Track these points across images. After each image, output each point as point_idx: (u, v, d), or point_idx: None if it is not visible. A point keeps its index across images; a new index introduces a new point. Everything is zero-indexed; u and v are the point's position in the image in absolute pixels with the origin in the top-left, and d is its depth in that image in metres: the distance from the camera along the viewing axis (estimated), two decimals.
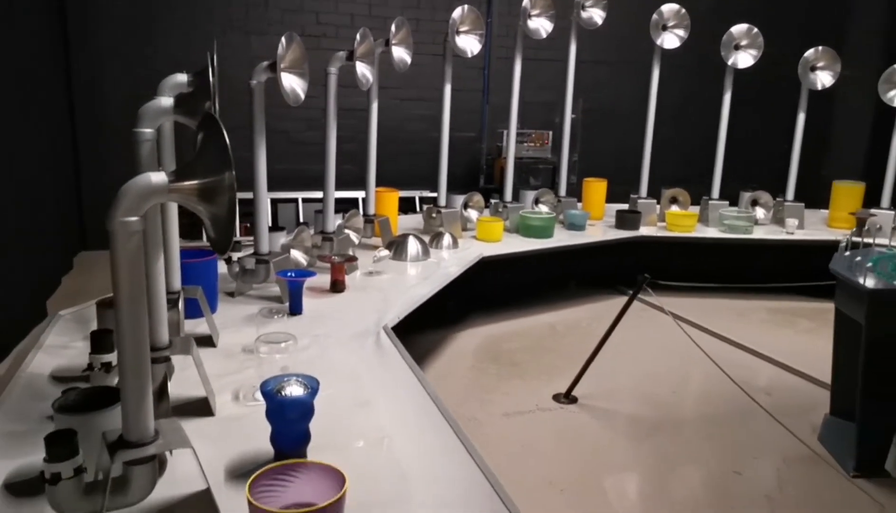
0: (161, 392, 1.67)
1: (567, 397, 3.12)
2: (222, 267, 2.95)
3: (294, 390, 1.61)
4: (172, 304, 2.09)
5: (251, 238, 2.99)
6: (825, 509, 2.42)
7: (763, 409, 2.99)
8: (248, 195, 2.90)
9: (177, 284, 2.31)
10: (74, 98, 5.56)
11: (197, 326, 2.42)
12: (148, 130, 1.69)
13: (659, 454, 2.78)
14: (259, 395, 1.92)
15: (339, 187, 3.58)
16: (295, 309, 2.70)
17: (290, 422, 1.57)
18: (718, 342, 3.95)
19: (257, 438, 1.63)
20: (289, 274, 2.76)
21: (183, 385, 1.95)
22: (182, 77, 1.91)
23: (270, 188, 3.30)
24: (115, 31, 5.69)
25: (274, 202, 6.13)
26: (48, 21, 5.17)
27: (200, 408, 1.87)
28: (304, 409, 1.58)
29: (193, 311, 2.41)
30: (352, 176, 5.13)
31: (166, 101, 1.72)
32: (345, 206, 5.32)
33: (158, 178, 1.26)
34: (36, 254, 4.37)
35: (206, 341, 2.34)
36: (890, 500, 2.46)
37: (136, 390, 1.31)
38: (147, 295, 1.80)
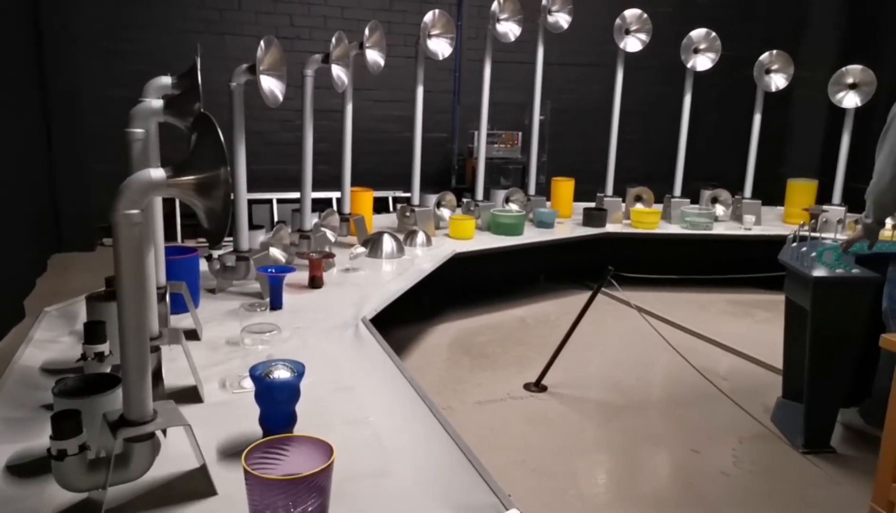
0: (156, 377, 1.77)
1: (537, 386, 3.27)
2: (203, 265, 3.05)
3: (281, 374, 1.72)
4: (160, 297, 2.18)
5: (230, 237, 3.08)
6: (777, 481, 2.61)
7: (720, 391, 3.18)
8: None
9: (163, 278, 2.41)
10: (49, 98, 5.55)
11: (181, 321, 2.51)
12: (139, 130, 1.80)
13: (624, 436, 2.94)
14: (245, 383, 2.03)
15: (314, 187, 3.68)
16: (276, 304, 2.80)
17: (278, 403, 1.69)
18: (680, 333, 4.14)
19: (245, 422, 1.74)
20: (269, 270, 2.86)
21: (172, 375, 2.04)
22: (166, 79, 2.00)
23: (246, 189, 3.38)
24: (90, 32, 5.70)
25: (249, 202, 6.16)
26: (21, 19, 5.16)
27: (190, 395, 1.96)
28: (291, 390, 1.69)
29: (177, 306, 2.50)
30: (327, 176, 5.22)
31: (156, 102, 1.82)
32: (320, 205, 5.41)
33: (158, 173, 1.36)
34: (10, 255, 4.38)
35: (191, 335, 2.43)
36: (835, 471, 2.65)
37: (137, 370, 1.41)
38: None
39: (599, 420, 3.09)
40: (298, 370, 1.74)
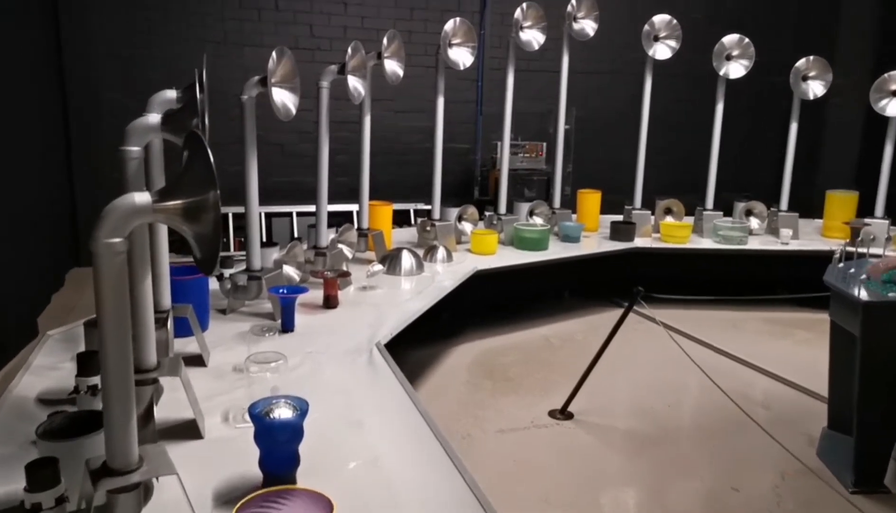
0: (147, 416, 1.64)
1: (563, 413, 3.09)
2: (214, 283, 2.94)
3: (283, 413, 1.58)
4: (161, 323, 2.07)
5: (243, 253, 2.96)
6: None
7: (758, 425, 2.97)
8: (242, 209, 2.89)
9: (166, 302, 2.29)
10: (69, 112, 5.54)
11: (187, 345, 2.39)
12: (135, 149, 1.67)
13: (656, 470, 2.75)
14: (248, 417, 1.90)
15: (332, 200, 3.56)
16: (287, 326, 2.67)
17: (279, 445, 1.55)
18: (713, 354, 3.93)
19: (246, 461, 1.60)
20: (281, 290, 2.74)
21: (172, 407, 1.92)
22: (171, 93, 1.89)
23: (264, 202, 3.27)
24: (110, 45, 5.68)
25: (268, 216, 6.10)
26: (41, 33, 5.15)
27: (189, 430, 1.84)
28: (293, 431, 1.55)
29: (184, 329, 2.38)
30: (346, 188, 5.11)
31: (154, 118, 1.70)
32: (339, 219, 5.31)
33: (142, 198, 1.24)
34: (27, 270, 4.33)
35: (197, 361, 2.31)
36: None
37: (120, 415, 1.28)
38: (133, 316, 1.78)
39: (629, 452, 2.90)
40: (301, 408, 1.60)
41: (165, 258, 2.24)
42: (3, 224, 3.88)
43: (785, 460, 2.78)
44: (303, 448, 1.57)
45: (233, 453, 1.71)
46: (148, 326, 1.75)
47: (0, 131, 3.93)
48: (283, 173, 6.03)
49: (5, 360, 3.33)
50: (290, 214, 6.21)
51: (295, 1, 6.14)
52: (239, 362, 2.30)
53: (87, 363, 1.78)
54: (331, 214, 3.47)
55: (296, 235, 6.07)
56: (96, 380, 1.77)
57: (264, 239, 6.25)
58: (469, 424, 3.00)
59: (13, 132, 4.19)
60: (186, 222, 1.25)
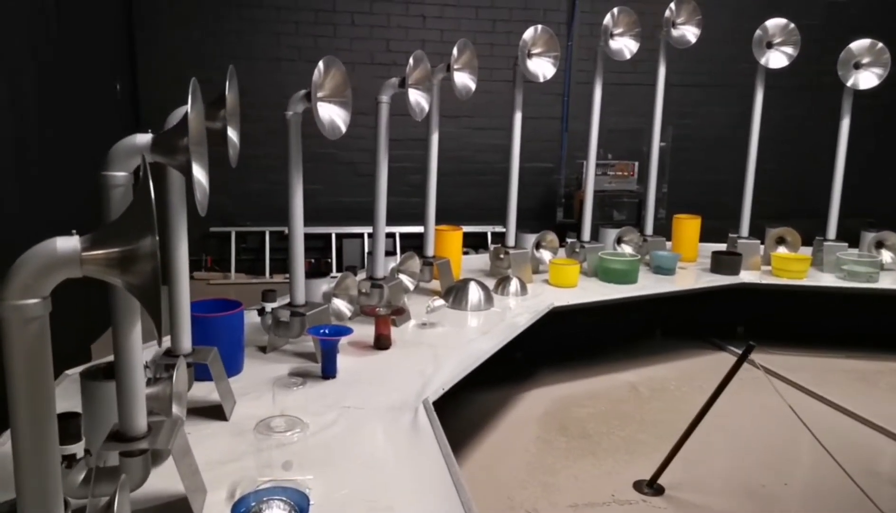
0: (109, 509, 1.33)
1: (651, 487, 2.59)
2: (254, 317, 2.67)
3: None
4: (169, 371, 1.78)
5: (286, 275, 2.66)
6: None
7: None
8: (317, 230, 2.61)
9: (185, 344, 2.02)
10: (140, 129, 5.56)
11: (213, 392, 2.09)
12: (120, 174, 1.39)
13: None
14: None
15: (407, 221, 3.25)
16: (328, 372, 2.35)
17: None
18: (836, 413, 3.30)
19: None
20: (322, 331, 2.42)
21: (173, 474, 1.61)
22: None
23: (334, 223, 2.97)
24: (180, 60, 5.65)
25: (339, 237, 5.88)
26: (116, 57, 5.18)
27: (183, 511, 1.52)
28: None
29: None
30: (421, 209, 4.82)
31: (143, 138, 1.42)
32: (414, 241, 5.02)
33: (67, 245, 0.93)
34: (84, 294, 4.25)
35: (217, 413, 2.01)
36: None
37: None
38: (118, 374, 1.49)
39: None
40: (300, 507, 1.24)
41: (185, 293, 1.98)
42: None
43: None
44: None
45: None
46: (135, 387, 1.46)
47: (73, 154, 3.88)
48: (355, 193, 5.81)
49: None
50: (361, 235, 5.98)
51: (371, 15, 5.95)
52: (266, 414, 1.99)
53: (64, 428, 1.49)
54: (405, 236, 3.16)
55: (365, 255, 5.84)
56: (75, 448, 1.48)
57: (333, 260, 6.11)
58: (536, 494, 2.55)
59: (86, 154, 4.15)
60: (122, 275, 0.92)
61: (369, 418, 2.05)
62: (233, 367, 2.30)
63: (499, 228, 6.14)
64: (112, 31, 5.10)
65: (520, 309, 3.35)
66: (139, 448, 1.47)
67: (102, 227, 0.96)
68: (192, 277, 2.05)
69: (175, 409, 1.65)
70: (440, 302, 3.03)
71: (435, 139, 3.45)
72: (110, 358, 1.73)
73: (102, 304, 1.46)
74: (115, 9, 5.29)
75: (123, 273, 0.91)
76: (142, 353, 1.49)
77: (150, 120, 5.55)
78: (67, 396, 2.10)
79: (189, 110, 1.33)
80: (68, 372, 2.27)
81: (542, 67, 3.68)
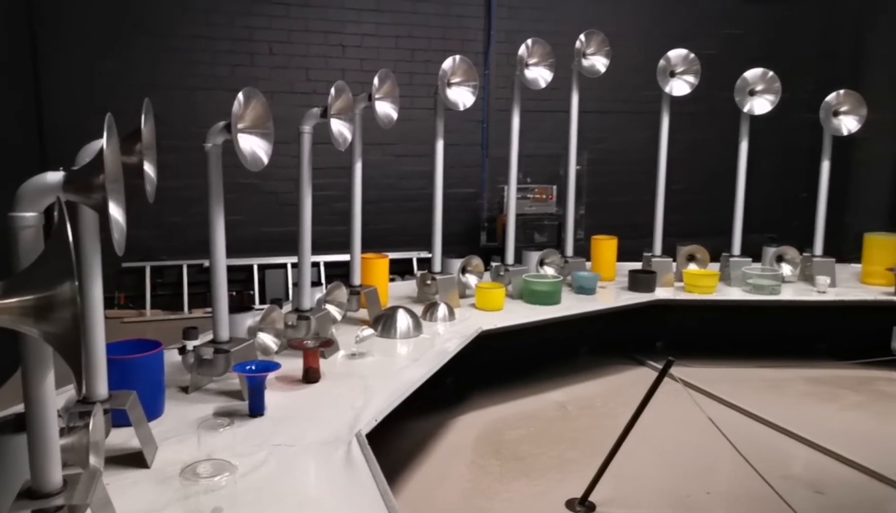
0: None
1: (583, 504, 2.64)
2: (174, 355, 2.56)
3: None
4: (85, 419, 1.68)
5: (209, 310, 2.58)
6: None
7: None
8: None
9: (101, 390, 1.91)
10: (47, 164, 5.28)
11: (133, 438, 1.99)
12: (29, 214, 1.31)
13: None
14: None
15: (332, 250, 3.21)
16: (256, 409, 2.28)
17: None
18: (751, 422, 3.47)
19: None
20: (248, 367, 2.35)
21: None
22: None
23: (256, 253, 2.90)
24: (90, 91, 5.43)
25: (262, 268, 5.74)
26: (20, 80, 4.92)
27: None
28: None
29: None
30: (345, 237, 4.77)
31: (54, 176, 1.35)
32: (339, 269, 4.95)
33: None
34: None
35: (138, 460, 1.91)
36: None
37: None
38: (29, 427, 1.40)
39: None
40: None
41: (101, 336, 1.88)
42: None
43: None
44: None
45: None
46: (47, 441, 1.37)
47: None
48: (277, 223, 5.70)
49: None
50: (284, 266, 5.86)
51: (290, 44, 5.91)
52: (190, 459, 1.91)
53: None
54: (330, 265, 3.11)
55: (290, 286, 5.72)
56: None
57: (256, 292, 5.95)
58: None
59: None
60: (37, 324, 0.88)
61: (301, 455, 2.00)
62: (153, 410, 2.20)
63: (424, 254, 6.16)
64: (16, 53, 4.84)
65: (449, 334, 3.37)
66: (54, 505, 1.38)
67: (16, 273, 0.91)
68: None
69: (92, 459, 1.57)
70: (369, 331, 3.01)
71: (358, 168, 3.45)
72: (19, 408, 1.64)
73: (10, 347, 1.37)
74: (19, 31, 5.02)
75: (39, 322, 0.86)
76: (55, 402, 1.40)
77: (59, 154, 5.29)
78: None
79: (105, 146, 1.27)
80: None
81: (462, 96, 3.76)
